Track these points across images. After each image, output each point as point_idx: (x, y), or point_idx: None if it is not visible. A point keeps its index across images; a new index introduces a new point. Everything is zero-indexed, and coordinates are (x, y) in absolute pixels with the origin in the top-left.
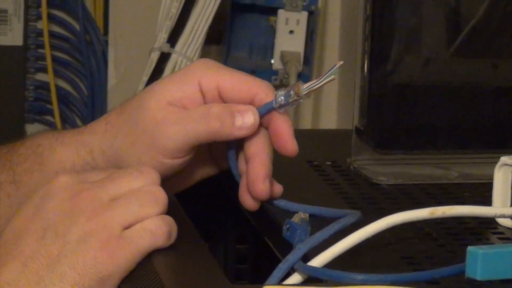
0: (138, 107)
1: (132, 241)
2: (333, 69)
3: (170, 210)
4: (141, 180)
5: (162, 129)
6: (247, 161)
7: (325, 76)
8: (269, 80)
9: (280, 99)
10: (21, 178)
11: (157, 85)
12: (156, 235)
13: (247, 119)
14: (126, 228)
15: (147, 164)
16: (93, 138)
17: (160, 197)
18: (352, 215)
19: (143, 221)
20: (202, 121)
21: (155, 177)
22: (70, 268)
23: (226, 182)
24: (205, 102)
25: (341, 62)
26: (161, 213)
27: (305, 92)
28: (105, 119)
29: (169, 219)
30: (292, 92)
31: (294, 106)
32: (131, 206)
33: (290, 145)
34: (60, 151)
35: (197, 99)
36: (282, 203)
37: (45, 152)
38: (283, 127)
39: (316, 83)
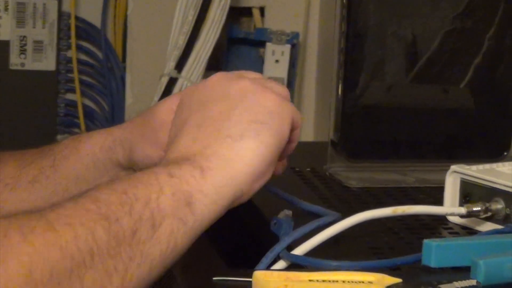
0: (152, 112)
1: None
2: None
3: None
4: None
5: (166, 129)
6: None
7: None
8: None
9: None
10: (60, 162)
11: (168, 98)
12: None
13: None
14: None
15: (150, 155)
16: (117, 131)
17: None
18: (332, 216)
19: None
20: None
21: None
22: (243, 111)
23: None
24: None
25: None
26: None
27: None
28: (130, 120)
29: None
30: None
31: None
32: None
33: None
34: (95, 137)
35: None
36: (280, 192)
37: (83, 139)
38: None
39: None
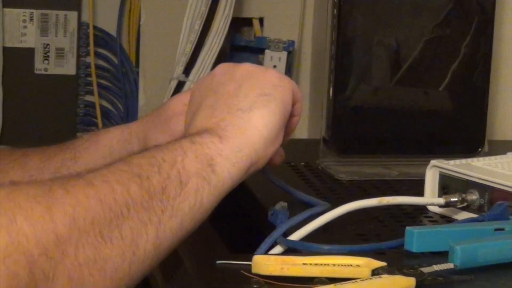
0: (165, 105)
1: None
2: None
3: None
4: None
5: (177, 118)
6: None
7: None
8: None
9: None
10: (80, 154)
11: (180, 94)
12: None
13: None
14: None
15: (162, 143)
16: (134, 125)
17: None
18: (322, 205)
19: None
20: None
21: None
22: (250, 87)
23: None
24: None
25: None
26: None
27: None
28: (146, 115)
29: None
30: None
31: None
32: None
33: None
34: (112, 130)
35: None
36: (281, 183)
37: (102, 133)
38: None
39: None
